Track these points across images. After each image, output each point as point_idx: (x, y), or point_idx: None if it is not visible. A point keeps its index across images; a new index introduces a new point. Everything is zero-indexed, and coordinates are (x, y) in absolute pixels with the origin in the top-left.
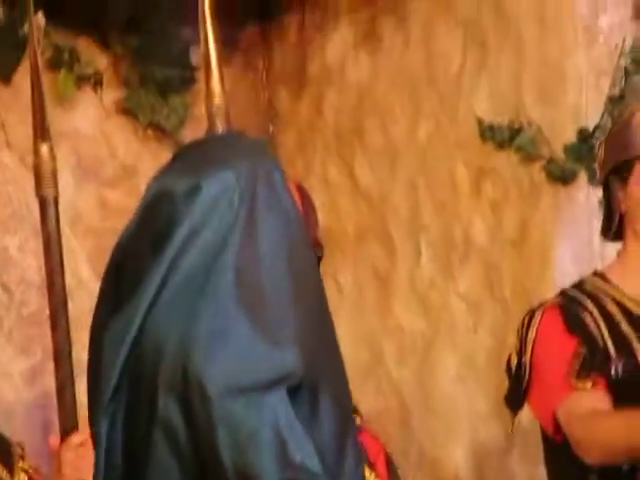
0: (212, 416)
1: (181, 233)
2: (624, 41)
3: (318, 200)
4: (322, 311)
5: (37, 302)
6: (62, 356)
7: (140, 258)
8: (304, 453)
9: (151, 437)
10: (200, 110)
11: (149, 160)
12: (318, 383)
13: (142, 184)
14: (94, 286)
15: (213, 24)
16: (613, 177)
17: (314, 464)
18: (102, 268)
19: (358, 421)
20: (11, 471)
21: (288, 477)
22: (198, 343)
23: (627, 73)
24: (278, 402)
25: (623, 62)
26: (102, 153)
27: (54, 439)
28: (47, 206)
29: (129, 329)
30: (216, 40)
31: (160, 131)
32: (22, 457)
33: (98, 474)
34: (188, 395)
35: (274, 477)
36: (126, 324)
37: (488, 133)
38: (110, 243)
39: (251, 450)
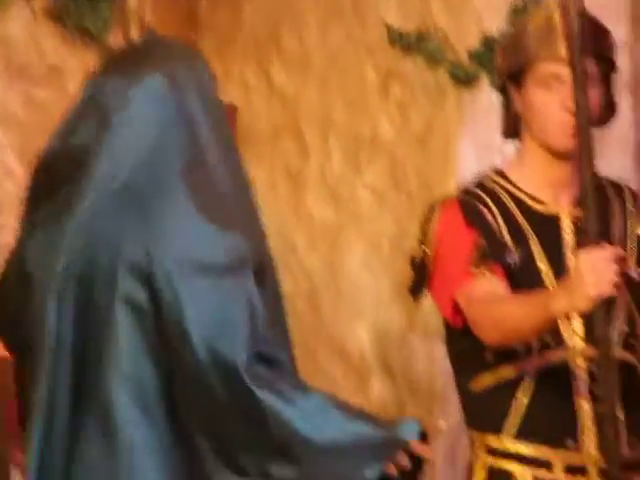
0: (179, 294)
1: (117, 133)
2: None
3: (236, 102)
4: (253, 204)
5: None
6: None
7: (73, 160)
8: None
9: (112, 318)
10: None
11: (76, 62)
12: (265, 268)
13: (69, 84)
14: (20, 176)
15: None
16: (510, 81)
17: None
18: (29, 159)
19: None
20: None
21: (260, 350)
22: (155, 230)
23: None
24: (247, 282)
25: None
26: (32, 55)
27: None
28: None
29: (63, 239)
30: None
31: (87, 35)
32: None
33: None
34: (152, 273)
35: (246, 351)
36: (61, 234)
37: (396, 38)
38: (37, 138)
39: (223, 326)
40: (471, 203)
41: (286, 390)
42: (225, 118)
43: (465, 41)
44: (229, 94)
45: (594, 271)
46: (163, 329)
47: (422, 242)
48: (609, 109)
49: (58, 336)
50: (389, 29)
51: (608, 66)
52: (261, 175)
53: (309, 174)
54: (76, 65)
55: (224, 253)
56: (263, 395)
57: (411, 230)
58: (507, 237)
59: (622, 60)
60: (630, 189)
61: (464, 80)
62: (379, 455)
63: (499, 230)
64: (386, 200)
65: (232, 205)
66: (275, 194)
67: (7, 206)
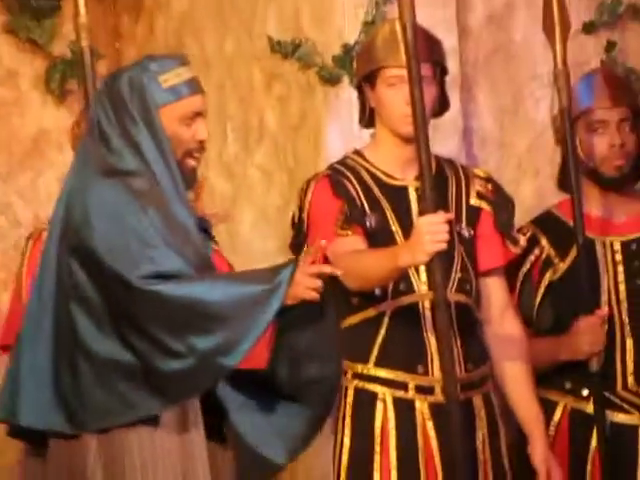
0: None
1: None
2: None
3: None
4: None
5: None
6: None
7: None
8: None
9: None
10: (65, 29)
11: (27, 66)
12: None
13: (21, 83)
14: None
15: None
16: (364, 82)
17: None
18: None
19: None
20: None
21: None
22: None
23: (377, 5)
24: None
25: None
26: None
27: None
28: None
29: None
30: None
31: (35, 45)
32: None
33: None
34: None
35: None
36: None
37: (276, 47)
38: None
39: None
40: (337, 178)
41: (180, 280)
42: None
43: (330, 49)
44: None
45: (429, 232)
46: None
47: (300, 210)
48: (443, 104)
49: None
50: (270, 40)
51: (441, 69)
52: None
53: (209, 156)
54: (28, 69)
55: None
56: (157, 287)
57: (292, 201)
58: (366, 205)
59: (453, 63)
60: (462, 166)
61: (329, 80)
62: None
63: (359, 199)
64: (271, 177)
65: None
66: None
67: None
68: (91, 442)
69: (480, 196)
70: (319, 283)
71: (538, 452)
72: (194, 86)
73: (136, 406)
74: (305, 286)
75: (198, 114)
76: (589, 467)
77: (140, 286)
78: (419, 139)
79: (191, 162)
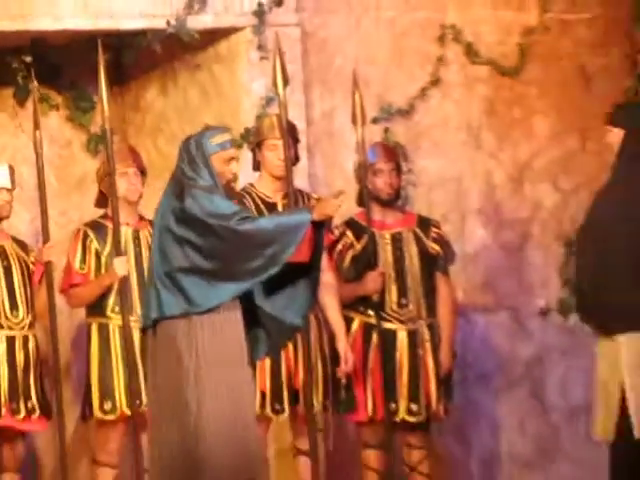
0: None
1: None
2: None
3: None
4: None
5: None
6: None
7: None
8: None
9: None
10: (97, 118)
11: (77, 137)
12: None
13: (74, 146)
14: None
15: (107, 90)
16: (256, 147)
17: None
18: None
19: None
20: None
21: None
22: None
23: (263, 107)
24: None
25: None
26: None
27: None
28: None
29: None
30: (107, 100)
31: (82, 126)
32: None
33: None
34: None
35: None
36: None
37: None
38: None
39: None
40: (240, 196)
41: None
42: None
43: (240, 129)
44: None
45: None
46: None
47: None
48: (296, 159)
49: None
50: (207, 126)
51: (295, 140)
52: None
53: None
54: (77, 139)
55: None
56: (245, 227)
57: None
58: (254, 211)
59: (302, 137)
60: (305, 193)
61: (241, 145)
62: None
63: (251, 208)
64: None
65: None
66: None
67: None
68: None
69: None
70: (338, 203)
71: (341, 345)
72: (230, 143)
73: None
74: (328, 204)
75: (233, 158)
76: (372, 354)
77: (237, 227)
78: (289, 177)
79: (229, 185)
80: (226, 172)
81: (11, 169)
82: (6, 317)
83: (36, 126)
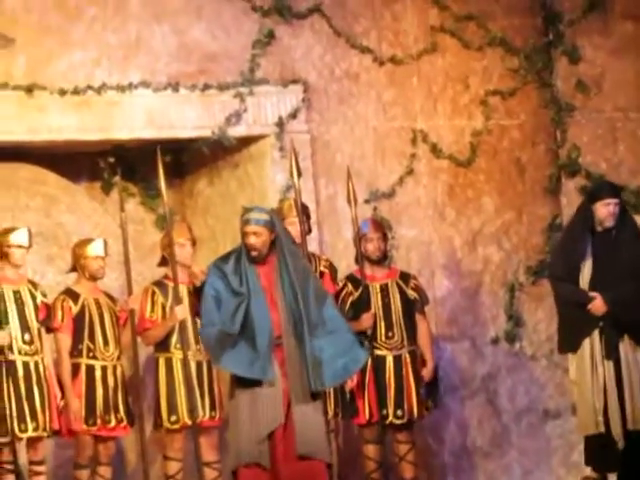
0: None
1: None
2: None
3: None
4: None
5: None
6: None
7: None
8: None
9: None
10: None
11: (149, 217)
12: None
13: (147, 224)
14: None
15: (165, 182)
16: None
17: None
18: None
19: None
20: None
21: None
22: None
23: (284, 193)
24: None
25: None
26: None
27: None
28: None
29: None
30: (165, 190)
31: (152, 209)
32: None
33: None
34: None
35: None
36: None
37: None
38: None
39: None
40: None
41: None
42: None
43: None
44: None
45: None
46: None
47: None
48: (309, 229)
49: None
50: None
51: (307, 217)
52: None
53: None
54: (149, 218)
55: None
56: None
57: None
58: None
59: (313, 215)
60: (317, 255)
61: None
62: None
63: None
64: None
65: None
66: None
67: None
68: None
69: (325, 267)
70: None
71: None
72: (251, 221)
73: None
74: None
75: (252, 233)
76: (367, 373)
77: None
78: (304, 244)
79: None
80: (246, 243)
81: (105, 242)
82: (100, 351)
83: (121, 209)
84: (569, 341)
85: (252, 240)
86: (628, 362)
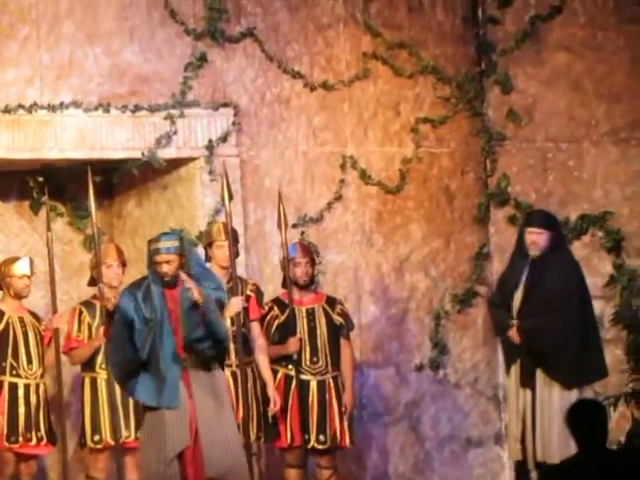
0: None
1: None
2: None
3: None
4: None
5: None
6: None
7: None
8: None
9: None
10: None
11: (77, 237)
12: None
13: (75, 245)
14: None
15: (95, 203)
16: (207, 246)
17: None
18: None
19: None
20: None
21: None
22: None
23: (213, 216)
24: None
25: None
26: None
27: None
28: None
29: None
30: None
31: (80, 230)
32: None
33: None
34: None
35: None
36: None
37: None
38: None
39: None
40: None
41: None
42: None
43: (196, 232)
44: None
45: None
46: None
47: None
48: (237, 253)
49: None
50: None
51: (235, 241)
52: None
53: None
54: (77, 239)
55: None
56: None
57: None
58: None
59: (242, 239)
60: (244, 279)
61: (195, 245)
62: None
63: None
64: None
65: None
66: None
67: None
68: None
69: (251, 290)
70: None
71: (271, 391)
72: (162, 250)
73: None
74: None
75: (164, 262)
76: (291, 397)
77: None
78: (232, 267)
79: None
80: (157, 271)
81: (31, 260)
82: (24, 369)
83: (48, 228)
84: (506, 365)
85: (165, 269)
86: (543, 392)
